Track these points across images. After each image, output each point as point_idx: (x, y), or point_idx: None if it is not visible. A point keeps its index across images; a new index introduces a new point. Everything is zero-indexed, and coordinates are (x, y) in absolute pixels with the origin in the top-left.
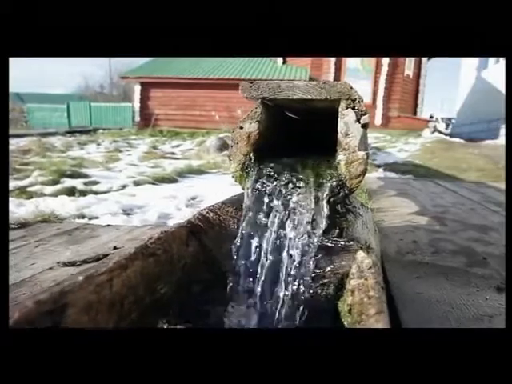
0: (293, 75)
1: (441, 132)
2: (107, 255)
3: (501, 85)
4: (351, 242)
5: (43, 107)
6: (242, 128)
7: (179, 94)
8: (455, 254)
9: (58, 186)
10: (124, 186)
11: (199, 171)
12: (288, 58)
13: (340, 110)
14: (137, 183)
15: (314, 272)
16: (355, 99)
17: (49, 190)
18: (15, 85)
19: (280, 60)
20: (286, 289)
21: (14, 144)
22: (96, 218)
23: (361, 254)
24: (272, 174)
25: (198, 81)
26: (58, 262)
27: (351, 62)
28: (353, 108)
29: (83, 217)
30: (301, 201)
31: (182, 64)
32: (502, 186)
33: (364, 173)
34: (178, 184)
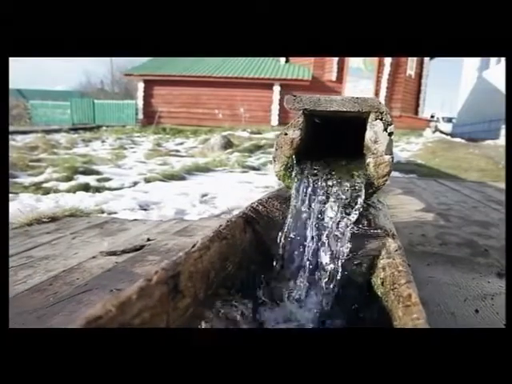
0: (295, 74)
1: (442, 132)
2: (144, 246)
3: (502, 85)
4: (378, 230)
5: (46, 104)
6: (286, 134)
7: (182, 91)
8: (460, 246)
9: (73, 183)
10: (135, 183)
11: (206, 169)
12: (291, 57)
13: (370, 120)
14: (147, 180)
15: (349, 254)
16: (383, 112)
17: (64, 186)
18: (17, 81)
19: (283, 59)
20: (327, 266)
21: (20, 141)
22: (115, 213)
23: (388, 240)
24: (314, 172)
25: (201, 79)
26: (101, 252)
27: (353, 62)
28: (381, 119)
29: (102, 212)
30: (338, 194)
31: (185, 62)
32: (502, 185)
33: (389, 173)
34: (187, 181)
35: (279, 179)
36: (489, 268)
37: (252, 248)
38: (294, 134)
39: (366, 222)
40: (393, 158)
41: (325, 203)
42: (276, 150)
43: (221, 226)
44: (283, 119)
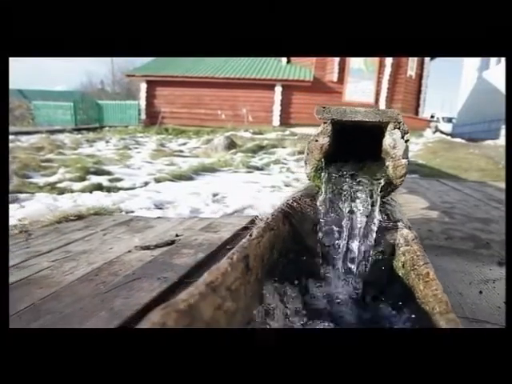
0: (297, 75)
1: (442, 132)
2: (174, 241)
3: (502, 85)
4: (397, 223)
5: (48, 104)
6: (317, 141)
7: (184, 92)
8: (464, 239)
9: (86, 183)
10: (146, 183)
11: (212, 169)
12: (292, 58)
13: (389, 129)
14: (158, 180)
15: (373, 243)
16: (400, 122)
17: (77, 186)
18: (17, 81)
19: (284, 59)
20: (358, 252)
21: (25, 141)
22: (132, 211)
23: (405, 230)
24: (341, 173)
25: (203, 79)
26: (136, 247)
27: (355, 63)
28: (398, 128)
29: (120, 211)
30: (363, 192)
31: (187, 63)
32: (502, 185)
33: (405, 174)
34: (196, 181)
35: (309, 180)
36: (490, 258)
37: (290, 239)
38: (324, 140)
39: (385, 217)
40: (408, 161)
41: (352, 200)
42: (307, 154)
43: (268, 218)
44: (284, 120)
